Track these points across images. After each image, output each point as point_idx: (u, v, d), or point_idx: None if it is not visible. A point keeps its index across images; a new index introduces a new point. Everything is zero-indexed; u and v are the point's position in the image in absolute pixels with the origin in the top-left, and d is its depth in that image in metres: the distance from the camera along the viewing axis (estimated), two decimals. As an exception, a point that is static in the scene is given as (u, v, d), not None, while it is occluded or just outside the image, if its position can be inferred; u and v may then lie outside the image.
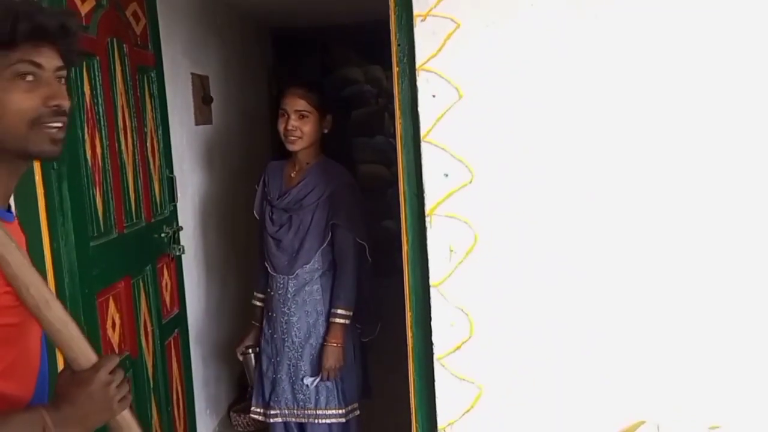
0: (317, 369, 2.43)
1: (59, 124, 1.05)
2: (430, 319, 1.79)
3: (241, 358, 2.65)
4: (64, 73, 1.08)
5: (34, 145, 1.03)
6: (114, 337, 2.19)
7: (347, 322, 2.42)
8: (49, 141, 1.04)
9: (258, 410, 2.56)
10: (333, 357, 2.39)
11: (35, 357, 1.12)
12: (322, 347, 2.42)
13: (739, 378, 1.73)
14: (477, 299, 1.78)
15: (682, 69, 1.67)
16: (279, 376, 2.48)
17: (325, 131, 2.46)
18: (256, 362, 2.60)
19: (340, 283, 2.42)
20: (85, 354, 1.05)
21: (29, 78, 1.02)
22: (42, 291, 1.02)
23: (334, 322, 2.41)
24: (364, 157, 6.11)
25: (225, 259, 3.68)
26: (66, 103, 1.06)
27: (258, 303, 2.64)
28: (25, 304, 1.01)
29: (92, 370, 1.04)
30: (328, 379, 2.42)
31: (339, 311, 2.41)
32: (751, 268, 1.71)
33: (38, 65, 1.03)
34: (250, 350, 2.62)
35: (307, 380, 2.43)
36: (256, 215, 2.60)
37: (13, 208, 1.09)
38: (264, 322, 2.56)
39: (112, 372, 1.05)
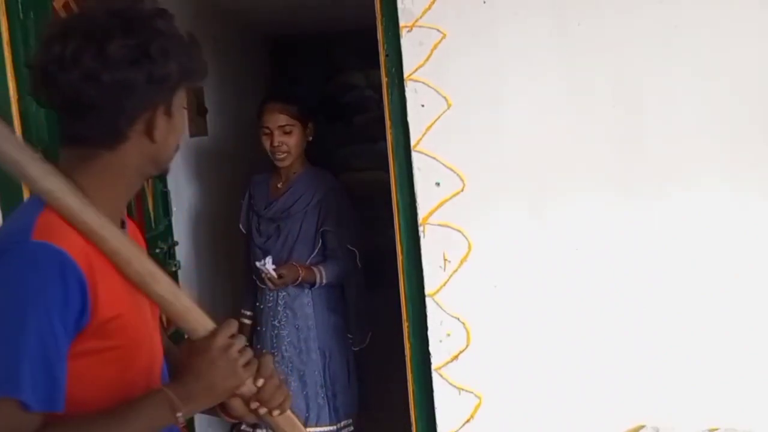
0: (310, 382, 2.37)
1: None
2: (426, 329, 1.78)
3: None
4: None
5: (169, 164, 1.10)
6: (112, 355, 2.17)
7: (322, 281, 2.34)
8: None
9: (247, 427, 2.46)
10: (290, 273, 2.29)
11: (154, 376, 1.07)
12: (312, 361, 2.38)
13: (736, 381, 1.72)
14: (473, 308, 1.77)
15: (672, 73, 1.66)
16: None
17: (310, 138, 2.42)
18: None
19: (330, 262, 2.36)
20: (201, 323, 1.04)
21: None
22: (146, 264, 1.00)
23: (311, 269, 2.33)
24: (368, 164, 5.90)
25: (223, 274, 3.66)
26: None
27: (246, 321, 2.56)
28: (130, 280, 0.98)
29: (210, 336, 1.02)
30: (278, 280, 2.29)
31: (320, 270, 2.34)
32: (748, 270, 1.70)
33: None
34: None
35: (268, 260, 2.30)
36: (242, 229, 2.57)
37: (127, 225, 1.10)
38: (253, 338, 2.49)
39: (232, 337, 1.03)
